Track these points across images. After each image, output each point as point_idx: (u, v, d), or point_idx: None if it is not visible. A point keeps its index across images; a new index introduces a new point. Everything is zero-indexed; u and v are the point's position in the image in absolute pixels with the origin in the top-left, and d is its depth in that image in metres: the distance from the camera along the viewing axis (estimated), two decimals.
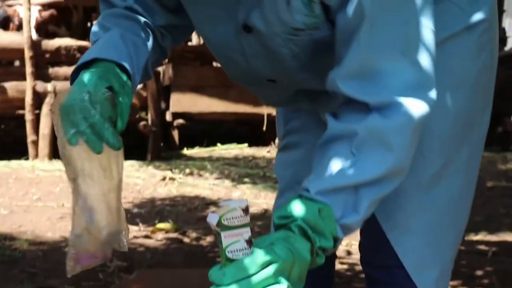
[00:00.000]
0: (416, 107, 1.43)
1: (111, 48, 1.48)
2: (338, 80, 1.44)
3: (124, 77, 1.46)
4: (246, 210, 1.38)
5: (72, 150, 1.37)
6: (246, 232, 1.38)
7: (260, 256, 1.34)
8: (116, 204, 1.43)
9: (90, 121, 1.36)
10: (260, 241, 1.39)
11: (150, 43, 1.60)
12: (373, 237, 1.74)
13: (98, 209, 1.40)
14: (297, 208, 1.43)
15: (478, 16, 1.66)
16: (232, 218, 1.37)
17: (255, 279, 1.32)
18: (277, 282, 1.34)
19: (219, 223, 1.37)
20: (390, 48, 1.44)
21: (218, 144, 8.39)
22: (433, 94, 1.46)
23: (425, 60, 1.46)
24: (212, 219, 1.39)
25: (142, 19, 1.61)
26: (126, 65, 1.46)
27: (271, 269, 1.33)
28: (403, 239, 1.70)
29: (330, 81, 1.47)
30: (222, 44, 1.62)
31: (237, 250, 1.38)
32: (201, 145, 8.31)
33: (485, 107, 1.76)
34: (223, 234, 1.37)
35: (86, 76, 1.40)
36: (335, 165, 1.44)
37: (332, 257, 2.04)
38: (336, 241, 1.43)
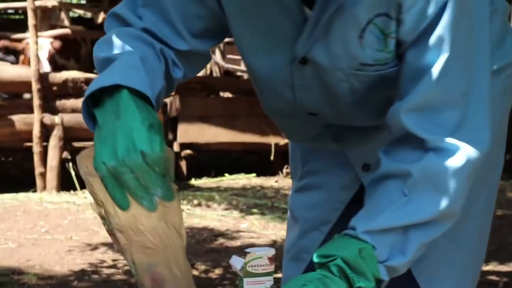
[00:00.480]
0: (472, 151, 1.42)
1: (133, 74, 1.35)
2: (401, 113, 1.41)
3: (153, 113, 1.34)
4: (272, 259, 1.38)
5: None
6: (269, 281, 1.38)
7: None
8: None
9: (144, 183, 1.26)
10: (294, 281, 1.37)
11: (163, 72, 1.48)
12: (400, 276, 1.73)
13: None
14: (338, 246, 1.40)
15: (504, 60, 1.66)
16: (257, 265, 1.37)
17: None
18: None
19: (243, 269, 1.36)
20: (457, 89, 1.43)
21: (226, 174, 8.38)
22: (487, 140, 1.45)
23: (482, 104, 1.46)
24: (236, 263, 1.39)
25: (158, 45, 1.48)
26: (150, 95, 1.34)
27: None
28: (432, 283, 1.68)
29: (392, 113, 1.44)
30: (269, 73, 1.56)
31: None
32: (209, 175, 8.30)
33: (502, 147, 1.76)
34: (245, 280, 1.37)
35: (128, 123, 1.28)
36: (386, 204, 1.42)
37: None
38: (380, 284, 1.41)
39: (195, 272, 4.42)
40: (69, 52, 8.01)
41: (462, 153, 1.41)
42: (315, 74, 1.51)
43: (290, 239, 1.91)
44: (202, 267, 4.52)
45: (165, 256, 1.30)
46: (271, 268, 1.37)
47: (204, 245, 5.12)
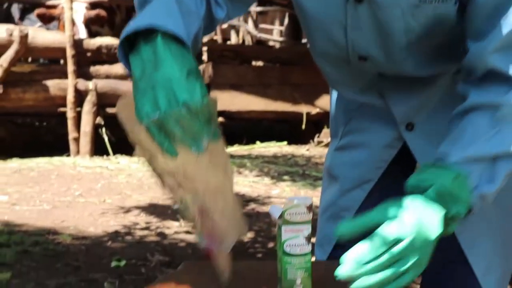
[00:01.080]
0: None
1: (167, 15, 1.34)
2: (486, 54, 1.43)
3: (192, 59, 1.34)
4: (310, 208, 1.40)
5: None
6: (307, 229, 1.40)
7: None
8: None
9: (190, 131, 1.29)
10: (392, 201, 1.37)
11: (202, 11, 1.48)
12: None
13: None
14: (433, 174, 1.40)
15: None
16: (295, 213, 1.39)
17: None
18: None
19: (281, 216, 1.40)
20: None
21: (257, 142, 8.41)
22: None
23: None
24: (275, 211, 1.42)
25: None
26: (185, 38, 1.33)
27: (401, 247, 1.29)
28: (473, 242, 1.70)
29: (472, 55, 1.46)
30: (322, 13, 1.56)
31: (295, 245, 1.41)
32: (240, 143, 8.34)
33: None
34: (284, 228, 1.40)
35: (166, 75, 1.29)
36: (475, 134, 1.43)
37: None
38: (469, 211, 1.42)
39: None
40: (104, 19, 8.03)
41: None
42: (370, 13, 1.51)
43: (328, 198, 1.91)
44: None
45: (214, 193, 1.33)
46: (309, 216, 1.40)
47: None
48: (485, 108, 1.43)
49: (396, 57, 1.58)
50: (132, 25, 1.33)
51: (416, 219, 1.31)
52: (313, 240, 1.59)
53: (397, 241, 1.28)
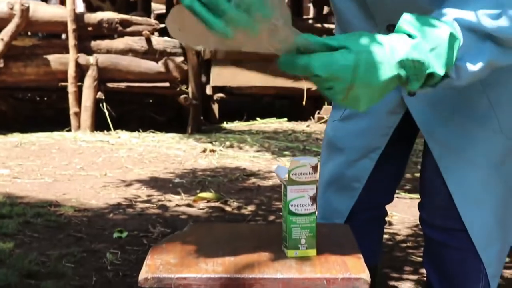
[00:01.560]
0: None
1: None
2: None
3: None
4: (315, 168, 1.42)
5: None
6: (312, 189, 1.42)
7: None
8: None
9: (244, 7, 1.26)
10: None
11: None
12: (438, 199, 1.75)
13: None
14: (435, 22, 1.36)
15: None
16: (301, 173, 1.41)
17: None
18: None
19: (287, 177, 1.41)
20: None
21: (258, 118, 8.42)
22: None
23: None
24: (281, 171, 1.43)
25: None
26: None
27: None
28: (473, 212, 1.71)
29: None
30: None
31: (300, 205, 1.42)
32: (241, 119, 8.34)
33: None
34: (289, 188, 1.41)
35: None
36: (478, 5, 1.38)
37: (384, 216, 2.06)
38: (444, 78, 1.38)
39: (228, 209, 4.49)
40: None
41: None
42: None
43: (332, 170, 1.91)
44: (235, 204, 4.58)
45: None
46: (315, 177, 1.41)
47: (236, 184, 5.18)
48: None
49: None
50: None
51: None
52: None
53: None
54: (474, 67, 1.38)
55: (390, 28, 1.59)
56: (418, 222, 1.90)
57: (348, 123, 1.88)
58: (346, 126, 1.89)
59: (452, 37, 1.35)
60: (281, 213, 4.31)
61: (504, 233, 1.76)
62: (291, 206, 1.42)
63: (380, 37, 1.33)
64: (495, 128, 1.66)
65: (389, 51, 1.31)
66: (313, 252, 1.45)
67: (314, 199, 1.42)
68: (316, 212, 1.45)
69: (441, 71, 1.34)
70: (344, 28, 1.76)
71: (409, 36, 1.34)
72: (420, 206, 1.84)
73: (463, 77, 1.39)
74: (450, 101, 1.69)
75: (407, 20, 1.35)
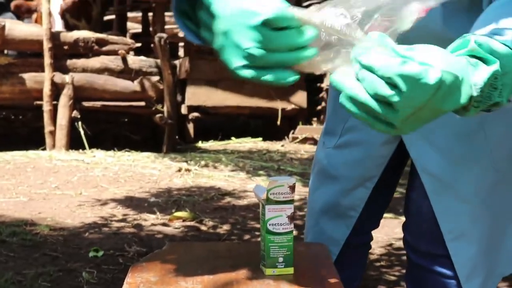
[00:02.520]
0: None
1: None
2: None
3: None
4: (292, 188, 1.45)
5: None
6: (289, 209, 1.46)
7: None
8: None
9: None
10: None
11: None
12: (425, 224, 1.76)
13: None
14: (497, 45, 1.19)
15: None
16: (279, 193, 1.44)
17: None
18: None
19: (265, 196, 1.45)
20: None
21: (233, 138, 8.46)
22: None
23: None
24: (259, 190, 1.47)
25: None
26: None
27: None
28: (459, 244, 1.72)
29: None
30: None
31: (278, 224, 1.46)
32: (216, 138, 8.38)
33: None
34: (267, 207, 1.45)
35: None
36: None
37: (370, 243, 2.08)
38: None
39: (204, 228, 4.51)
40: (80, 13, 8.05)
41: None
42: None
43: (327, 199, 1.90)
44: (210, 223, 4.61)
45: None
46: (292, 196, 1.45)
47: (211, 203, 5.21)
48: None
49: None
50: None
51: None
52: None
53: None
54: None
55: None
56: (392, 242, 1.94)
57: (342, 151, 1.86)
58: (340, 154, 1.87)
59: None
60: (256, 232, 4.35)
61: (490, 266, 1.77)
62: (269, 225, 1.46)
63: (457, 57, 1.17)
64: (487, 162, 1.68)
65: (471, 74, 1.16)
66: (290, 270, 1.48)
67: (291, 218, 1.46)
68: (293, 232, 1.49)
69: (507, 99, 1.23)
70: None
71: (484, 60, 1.19)
72: (405, 227, 1.85)
73: None
74: (445, 135, 1.69)
75: (479, 42, 1.19)
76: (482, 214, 1.72)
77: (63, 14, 7.77)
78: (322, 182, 1.92)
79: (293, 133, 8.52)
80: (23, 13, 7.84)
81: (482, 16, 1.32)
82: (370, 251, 3.92)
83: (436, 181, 1.71)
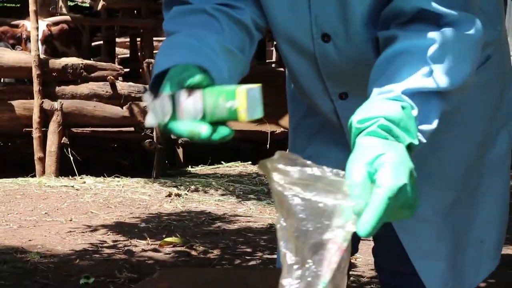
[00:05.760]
0: (480, 26, 1.44)
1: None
2: None
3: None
4: None
5: None
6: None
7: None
8: None
9: None
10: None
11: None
12: (389, 244, 1.80)
13: None
14: (379, 107, 1.32)
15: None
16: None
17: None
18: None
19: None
20: None
21: (223, 162, 8.46)
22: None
23: None
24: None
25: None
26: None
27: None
28: (425, 262, 1.76)
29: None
30: None
31: None
32: (206, 163, 8.38)
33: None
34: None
35: None
36: (413, 71, 1.39)
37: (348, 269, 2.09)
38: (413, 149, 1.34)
39: (194, 253, 4.51)
40: (70, 40, 8.07)
41: (477, 28, 1.44)
42: None
43: None
44: (201, 248, 4.62)
45: None
46: None
47: (202, 228, 5.22)
48: (417, 50, 1.41)
49: (357, 37, 1.59)
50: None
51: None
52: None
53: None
54: (432, 125, 1.38)
55: (342, 96, 1.64)
56: None
57: None
58: None
59: (406, 109, 1.33)
60: (247, 257, 4.36)
61: (459, 279, 1.80)
62: None
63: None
64: (443, 184, 1.73)
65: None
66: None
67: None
68: None
69: (415, 141, 1.31)
70: (282, 39, 1.72)
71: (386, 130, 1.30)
72: (374, 251, 1.90)
73: (425, 136, 1.38)
74: None
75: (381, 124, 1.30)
76: (445, 231, 1.76)
77: (47, 40, 7.75)
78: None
79: None
80: (8, 40, 7.84)
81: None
82: (360, 274, 3.95)
83: None
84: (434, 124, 1.38)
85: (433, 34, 1.41)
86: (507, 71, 1.81)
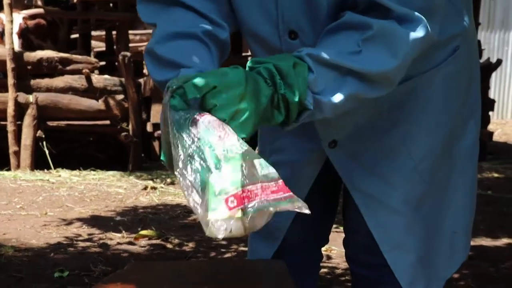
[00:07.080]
0: (427, 29, 1.49)
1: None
2: None
3: None
4: None
5: None
6: None
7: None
8: None
9: None
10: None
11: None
12: (362, 237, 1.81)
13: None
14: (275, 57, 1.45)
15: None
16: None
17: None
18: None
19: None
20: None
21: None
22: (434, 27, 1.52)
23: None
24: None
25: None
26: None
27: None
28: (397, 255, 1.78)
29: None
30: None
31: None
32: None
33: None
34: None
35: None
36: (339, 46, 1.46)
37: (318, 260, 2.10)
38: (303, 111, 1.45)
39: (169, 246, 4.51)
40: (46, 34, 8.02)
41: (421, 28, 1.48)
42: None
43: None
44: (176, 241, 4.61)
45: None
46: None
47: (177, 221, 5.21)
48: (356, 27, 1.48)
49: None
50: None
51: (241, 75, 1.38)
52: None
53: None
54: (335, 99, 1.45)
55: (291, 35, 1.65)
56: None
57: None
58: None
59: (299, 66, 1.42)
60: (222, 249, 4.37)
61: (432, 271, 1.82)
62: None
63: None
64: (413, 175, 1.74)
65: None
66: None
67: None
68: None
69: (292, 98, 1.41)
70: (250, 36, 1.75)
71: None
72: (345, 243, 1.92)
73: (325, 109, 1.46)
74: (371, 153, 1.76)
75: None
76: (415, 223, 1.78)
77: (23, 33, 7.71)
78: None
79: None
80: None
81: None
82: (335, 265, 3.97)
83: (367, 197, 1.77)
84: (338, 99, 1.45)
85: (374, 21, 1.47)
86: (474, 63, 1.83)
